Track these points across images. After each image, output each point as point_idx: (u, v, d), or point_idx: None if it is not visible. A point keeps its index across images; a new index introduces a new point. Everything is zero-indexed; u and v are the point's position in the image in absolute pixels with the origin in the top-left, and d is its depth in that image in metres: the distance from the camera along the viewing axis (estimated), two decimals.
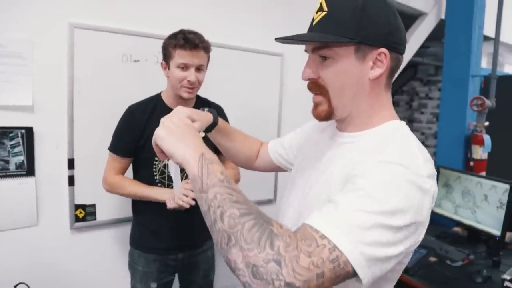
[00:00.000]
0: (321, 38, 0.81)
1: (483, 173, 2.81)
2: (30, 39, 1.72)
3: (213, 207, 0.66)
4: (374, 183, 0.68)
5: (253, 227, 0.62)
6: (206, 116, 1.02)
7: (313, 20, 0.84)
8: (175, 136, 0.76)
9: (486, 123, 2.81)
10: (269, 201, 2.64)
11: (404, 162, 0.71)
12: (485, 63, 4.35)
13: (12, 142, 1.73)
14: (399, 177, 0.69)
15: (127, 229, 2.01)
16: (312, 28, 0.84)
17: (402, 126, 0.85)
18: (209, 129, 1.09)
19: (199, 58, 1.58)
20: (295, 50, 2.57)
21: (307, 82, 0.88)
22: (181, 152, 0.74)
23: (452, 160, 2.84)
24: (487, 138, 2.79)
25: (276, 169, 1.26)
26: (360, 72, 0.81)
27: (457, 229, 2.66)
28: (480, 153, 2.81)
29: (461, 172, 2.51)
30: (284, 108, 2.62)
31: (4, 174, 1.73)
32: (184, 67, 1.57)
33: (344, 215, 0.65)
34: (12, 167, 1.74)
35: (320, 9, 0.82)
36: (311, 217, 0.68)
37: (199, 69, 1.60)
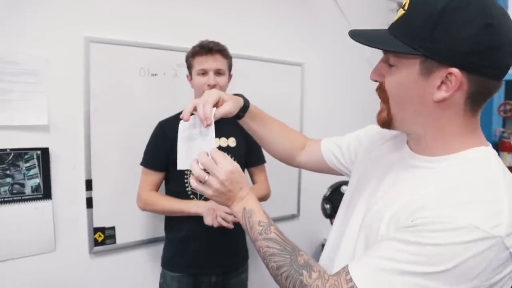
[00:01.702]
0: (377, 43, 0.71)
1: None
2: (45, 55, 1.64)
3: (261, 257, 0.82)
4: (433, 246, 0.61)
5: (287, 279, 0.76)
6: (236, 98, 0.99)
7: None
8: (223, 198, 0.87)
9: None
10: (292, 217, 2.54)
11: (481, 220, 0.60)
12: None
13: (28, 164, 1.64)
14: (469, 245, 0.60)
15: (149, 251, 1.94)
16: (390, 26, 0.73)
17: (486, 155, 0.72)
18: (241, 113, 1.02)
19: (216, 62, 1.61)
20: (316, 59, 2.54)
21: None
22: (230, 208, 0.89)
23: None
24: None
25: (327, 170, 1.14)
26: (422, 90, 0.69)
27: None
28: (509, 160, 2.70)
29: None
30: (306, 119, 2.52)
31: (20, 198, 1.63)
32: (204, 72, 1.60)
33: (382, 271, 0.66)
34: (28, 190, 1.65)
35: (403, 6, 0.70)
36: (354, 263, 0.72)
37: (218, 73, 1.62)
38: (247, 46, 2.21)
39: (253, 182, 1.89)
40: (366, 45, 0.71)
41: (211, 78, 1.59)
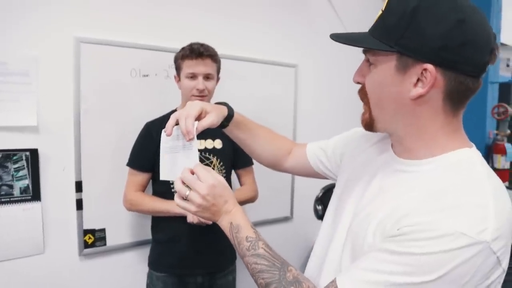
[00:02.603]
0: (355, 41, 0.72)
1: (506, 184, 2.71)
2: (35, 56, 1.62)
3: (250, 273, 0.81)
4: (420, 256, 0.60)
5: None
6: (220, 108, 0.98)
7: None
8: (208, 213, 0.85)
9: (508, 132, 2.71)
10: (285, 219, 2.53)
11: (467, 226, 0.59)
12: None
13: (16, 166, 1.63)
14: (456, 252, 0.59)
15: (140, 253, 1.92)
16: (370, 28, 0.74)
17: (470, 157, 0.71)
18: (225, 122, 1.01)
19: (206, 66, 1.60)
20: (310, 61, 2.53)
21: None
22: (217, 222, 0.87)
23: None
24: (509, 147, 2.70)
25: (313, 175, 1.14)
26: (399, 87, 0.69)
27: None
28: (502, 162, 2.71)
29: None
30: (299, 121, 2.52)
31: (8, 199, 1.62)
32: (193, 76, 1.60)
33: (371, 283, 0.65)
34: (16, 192, 1.63)
35: (382, 8, 0.72)
36: (342, 276, 0.70)
37: (207, 77, 1.62)
38: (240, 47, 2.20)
39: (241, 184, 1.89)
40: (345, 43, 0.73)
41: (200, 82, 1.59)
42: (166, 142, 0.92)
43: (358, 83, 0.78)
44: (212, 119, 0.92)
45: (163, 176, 0.93)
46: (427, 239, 0.60)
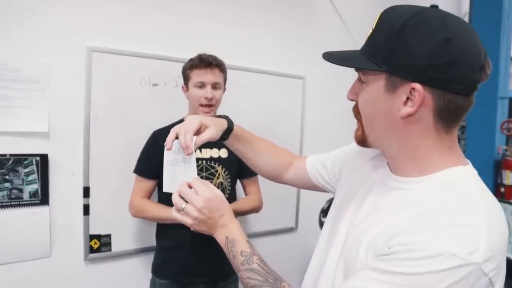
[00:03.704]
0: (344, 60, 0.74)
1: None
2: (48, 64, 1.67)
3: (244, 286, 0.82)
4: (410, 276, 0.60)
5: None
6: (219, 122, 1.00)
7: None
8: (204, 226, 0.87)
9: None
10: (290, 229, 2.53)
11: (458, 246, 0.59)
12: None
13: (27, 170, 1.67)
14: (446, 273, 0.58)
15: (144, 259, 1.94)
16: (361, 47, 0.75)
17: (465, 175, 0.70)
18: (225, 135, 1.03)
19: (214, 76, 1.65)
20: (318, 73, 2.54)
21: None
22: (214, 236, 0.89)
23: None
24: None
25: (312, 187, 1.14)
26: (389, 106, 0.69)
27: None
28: (511, 178, 2.67)
29: None
30: (306, 133, 2.53)
31: (18, 203, 1.66)
32: (201, 85, 1.64)
33: None
34: (26, 195, 1.67)
35: (372, 26, 0.72)
36: None
37: (215, 87, 1.66)
38: (249, 58, 2.23)
39: (246, 193, 1.90)
40: (335, 63, 0.74)
41: (208, 91, 1.63)
42: (168, 155, 0.94)
43: (352, 100, 0.79)
44: (211, 133, 0.94)
45: (166, 188, 0.96)
46: (417, 259, 0.60)
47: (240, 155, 1.14)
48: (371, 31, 0.72)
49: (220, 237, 0.87)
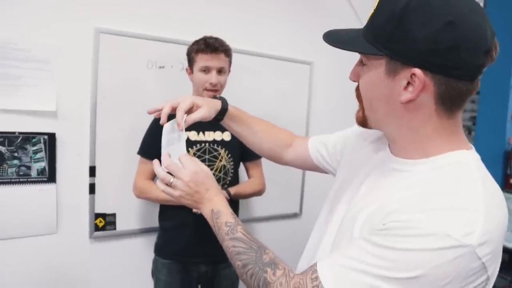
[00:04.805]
0: (344, 43, 0.72)
1: None
2: (56, 44, 1.70)
3: (229, 257, 0.83)
4: (402, 251, 0.60)
5: (252, 277, 0.76)
6: (212, 102, 1.02)
7: None
8: (191, 200, 0.88)
9: None
10: (294, 215, 2.54)
11: (453, 227, 0.58)
12: None
13: (35, 148, 1.70)
14: (438, 252, 0.58)
15: (147, 239, 1.97)
16: (363, 27, 0.73)
17: (466, 159, 0.69)
18: (220, 116, 1.05)
19: (219, 60, 1.65)
20: (325, 58, 2.52)
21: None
22: (199, 210, 0.90)
23: None
24: None
25: (314, 168, 1.14)
26: (390, 90, 0.68)
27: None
28: None
29: (502, 190, 2.34)
30: (312, 118, 2.53)
31: (26, 180, 1.70)
32: (206, 69, 1.64)
33: (350, 270, 0.65)
34: (33, 173, 1.71)
35: (374, 5, 0.70)
36: (323, 260, 0.71)
37: (220, 71, 1.67)
38: (256, 42, 2.23)
39: (249, 176, 1.91)
40: (334, 46, 0.73)
41: (213, 76, 1.63)
42: (165, 135, 0.96)
43: (354, 81, 0.79)
44: (203, 112, 0.96)
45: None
46: (411, 236, 0.60)
47: (238, 136, 1.15)
48: (372, 11, 0.70)
49: (205, 211, 0.88)
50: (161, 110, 0.95)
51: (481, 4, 2.91)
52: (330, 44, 0.73)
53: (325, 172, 1.13)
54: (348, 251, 0.67)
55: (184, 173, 0.86)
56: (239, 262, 0.79)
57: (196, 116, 0.94)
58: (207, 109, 0.97)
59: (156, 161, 0.91)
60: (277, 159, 1.19)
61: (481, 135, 2.91)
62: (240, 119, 1.10)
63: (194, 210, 1.58)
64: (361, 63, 0.75)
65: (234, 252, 0.80)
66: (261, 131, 1.14)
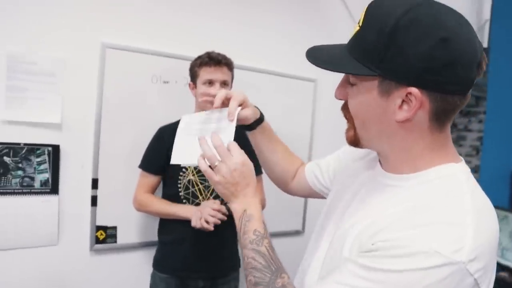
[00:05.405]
0: (332, 64, 0.68)
1: None
2: (63, 58, 1.73)
3: (244, 266, 0.79)
4: (391, 273, 0.59)
5: None
6: (256, 109, 1.02)
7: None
8: (228, 190, 0.83)
9: None
10: (297, 233, 2.52)
11: (442, 244, 0.57)
12: None
13: (39, 159, 1.73)
14: (429, 271, 0.57)
15: (148, 253, 1.96)
16: (348, 43, 0.70)
17: (455, 172, 0.68)
18: (255, 124, 1.03)
19: (223, 73, 1.68)
20: (329, 76, 2.51)
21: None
22: (230, 204, 0.84)
23: (496, 197, 2.60)
24: None
25: (313, 194, 1.11)
26: (384, 110, 0.66)
27: (503, 274, 2.43)
28: None
29: (509, 210, 2.31)
30: (316, 136, 2.53)
31: (29, 191, 1.72)
32: (210, 82, 1.66)
33: None
34: (37, 184, 1.73)
35: (359, 22, 0.67)
36: (317, 286, 0.72)
37: (224, 84, 1.68)
38: (260, 59, 2.26)
39: None
40: (321, 67, 0.70)
41: (217, 89, 1.64)
42: (187, 124, 0.94)
43: (341, 99, 0.76)
44: (250, 113, 0.97)
45: (174, 160, 0.94)
46: (399, 256, 0.58)
47: (258, 150, 1.11)
48: (357, 27, 0.68)
49: (237, 207, 0.83)
50: (214, 95, 0.94)
51: (486, 26, 2.93)
52: (318, 66, 0.70)
53: (324, 198, 1.08)
54: (338, 276, 0.66)
55: (232, 160, 0.82)
56: (252, 277, 0.75)
57: (244, 114, 0.95)
58: (252, 111, 0.97)
59: (203, 137, 0.84)
60: (283, 185, 1.16)
61: (487, 155, 2.88)
62: (268, 134, 1.09)
63: (192, 225, 1.55)
64: (347, 82, 0.72)
65: (251, 265, 0.76)
66: (280, 152, 1.12)
